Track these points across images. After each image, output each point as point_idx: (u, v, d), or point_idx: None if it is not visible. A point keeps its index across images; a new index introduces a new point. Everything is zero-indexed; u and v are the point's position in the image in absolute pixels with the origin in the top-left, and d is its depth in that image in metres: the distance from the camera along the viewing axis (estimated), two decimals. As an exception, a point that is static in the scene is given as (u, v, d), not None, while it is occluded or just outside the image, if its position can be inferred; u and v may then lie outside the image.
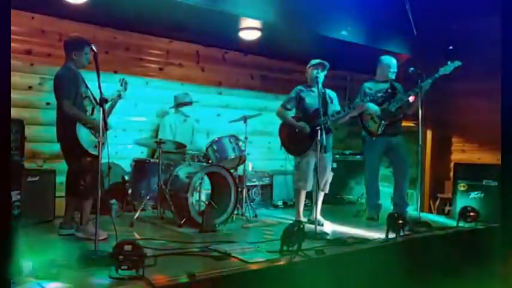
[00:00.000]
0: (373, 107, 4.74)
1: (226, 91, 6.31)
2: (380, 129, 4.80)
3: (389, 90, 4.86)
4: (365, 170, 5.17)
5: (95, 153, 3.55)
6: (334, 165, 5.01)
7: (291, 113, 4.74)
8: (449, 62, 4.56)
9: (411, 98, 4.76)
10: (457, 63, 4.58)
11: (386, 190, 5.37)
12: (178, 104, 5.44)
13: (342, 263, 3.42)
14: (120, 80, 4.02)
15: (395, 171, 4.97)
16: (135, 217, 4.43)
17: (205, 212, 4.27)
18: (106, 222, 3.68)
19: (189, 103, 5.45)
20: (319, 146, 4.09)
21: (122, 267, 2.58)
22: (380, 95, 4.80)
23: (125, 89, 4.01)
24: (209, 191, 4.87)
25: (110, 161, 4.14)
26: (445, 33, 6.31)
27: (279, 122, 4.84)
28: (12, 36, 3.26)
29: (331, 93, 4.75)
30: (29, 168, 4.31)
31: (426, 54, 6.04)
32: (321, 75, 4.48)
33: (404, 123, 5.21)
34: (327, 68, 4.58)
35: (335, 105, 4.70)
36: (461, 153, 6.62)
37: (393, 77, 4.93)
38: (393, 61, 4.97)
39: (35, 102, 4.79)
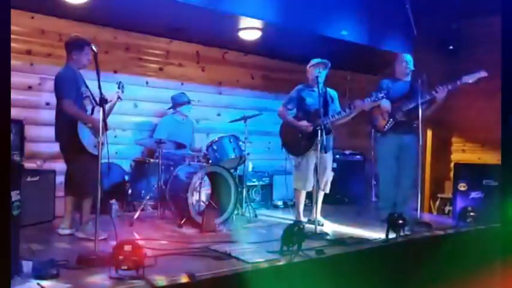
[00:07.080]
0: (385, 103, 4.68)
1: (226, 91, 6.30)
2: (387, 126, 4.74)
3: (406, 90, 4.75)
4: (378, 170, 5.03)
5: (95, 153, 3.56)
6: (334, 165, 4.99)
7: (292, 113, 4.74)
8: (474, 72, 4.52)
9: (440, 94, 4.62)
10: (482, 73, 4.52)
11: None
12: (176, 105, 5.43)
13: (342, 263, 3.41)
14: (118, 83, 4.05)
15: (401, 170, 4.85)
16: (135, 217, 4.43)
17: (205, 212, 4.27)
18: (106, 222, 3.68)
19: (187, 102, 5.44)
20: (319, 146, 4.09)
21: (122, 267, 2.58)
22: (395, 93, 4.71)
23: (122, 91, 4.04)
24: (209, 191, 4.87)
25: (110, 161, 4.14)
26: (445, 33, 6.31)
27: (279, 122, 4.84)
28: (12, 36, 3.25)
29: (332, 93, 4.73)
30: (29, 168, 4.31)
31: (426, 54, 6.03)
32: (322, 75, 4.47)
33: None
34: (327, 67, 4.57)
35: (336, 105, 4.69)
36: (462, 153, 6.62)
37: (410, 73, 4.82)
38: (409, 57, 4.87)
39: (35, 102, 4.78)
